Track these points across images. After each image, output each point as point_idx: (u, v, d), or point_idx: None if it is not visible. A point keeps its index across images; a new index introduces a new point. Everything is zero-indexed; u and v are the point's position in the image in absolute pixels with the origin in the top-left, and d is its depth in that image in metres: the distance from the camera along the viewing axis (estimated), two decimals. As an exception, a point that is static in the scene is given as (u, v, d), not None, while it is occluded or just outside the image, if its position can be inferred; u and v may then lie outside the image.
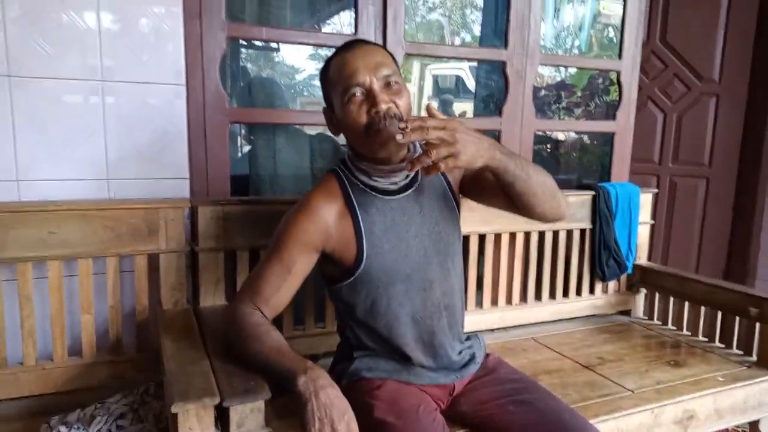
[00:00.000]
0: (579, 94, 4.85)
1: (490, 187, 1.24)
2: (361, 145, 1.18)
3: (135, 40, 1.49)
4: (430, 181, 1.28)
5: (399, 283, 1.22)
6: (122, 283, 1.50)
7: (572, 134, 3.83)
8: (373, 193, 1.23)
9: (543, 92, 5.08)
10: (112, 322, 1.48)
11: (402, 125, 1.01)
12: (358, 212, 1.20)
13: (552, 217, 1.27)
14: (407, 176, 1.25)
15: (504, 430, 1.25)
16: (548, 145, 3.54)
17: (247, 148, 2.01)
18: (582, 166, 3.35)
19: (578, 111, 4.90)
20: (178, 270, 1.51)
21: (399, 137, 1.00)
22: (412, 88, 11.13)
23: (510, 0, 1.99)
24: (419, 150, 1.26)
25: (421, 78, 10.82)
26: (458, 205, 1.35)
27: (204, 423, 1.01)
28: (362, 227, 1.20)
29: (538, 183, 1.17)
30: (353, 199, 1.21)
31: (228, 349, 1.18)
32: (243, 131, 2.03)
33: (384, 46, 1.58)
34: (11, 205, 1.37)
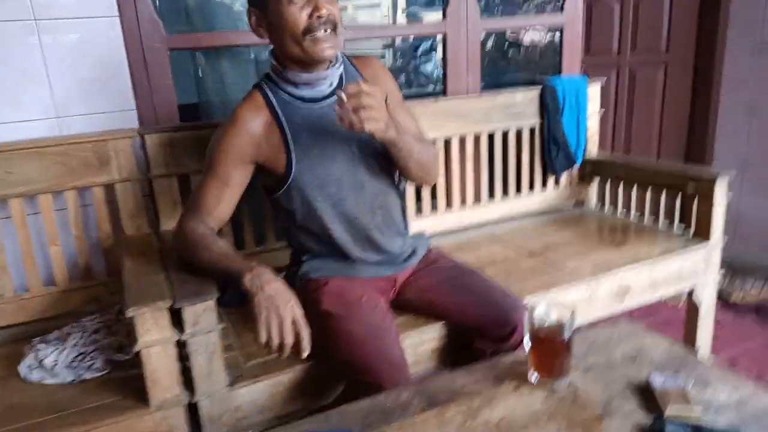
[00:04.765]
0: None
1: None
2: (295, 47, 1.21)
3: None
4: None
5: (330, 186, 1.30)
6: (87, 215, 1.59)
7: (541, 34, 3.76)
8: (299, 102, 1.28)
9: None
10: (79, 251, 1.58)
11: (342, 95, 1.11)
12: (285, 122, 1.27)
13: (421, 183, 1.51)
14: (331, 84, 1.30)
15: (443, 311, 1.39)
16: (513, 48, 3.50)
17: (194, 76, 2.03)
18: (541, 64, 3.33)
19: (551, 6, 4.76)
20: (135, 198, 1.59)
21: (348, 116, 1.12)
22: (386, 1, 10.74)
23: None
24: (340, 59, 1.31)
25: (394, -11, 10.39)
26: None
27: (160, 324, 1.12)
28: (289, 135, 1.26)
29: (419, 160, 1.30)
30: (278, 109, 1.27)
31: (183, 262, 1.29)
32: (189, 59, 2.04)
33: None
34: (-34, 149, 1.43)
